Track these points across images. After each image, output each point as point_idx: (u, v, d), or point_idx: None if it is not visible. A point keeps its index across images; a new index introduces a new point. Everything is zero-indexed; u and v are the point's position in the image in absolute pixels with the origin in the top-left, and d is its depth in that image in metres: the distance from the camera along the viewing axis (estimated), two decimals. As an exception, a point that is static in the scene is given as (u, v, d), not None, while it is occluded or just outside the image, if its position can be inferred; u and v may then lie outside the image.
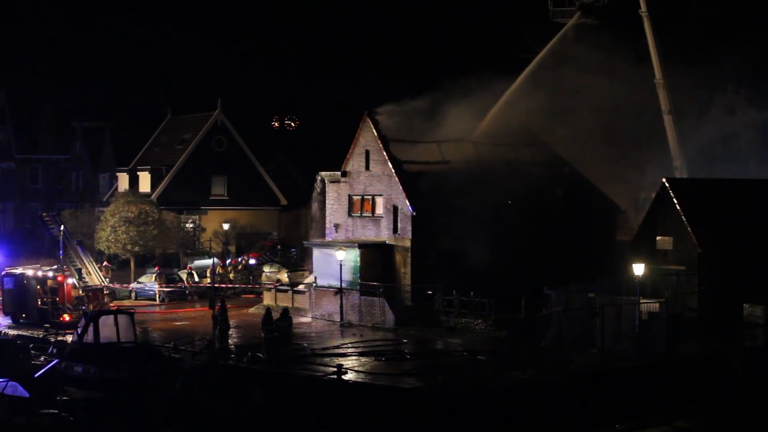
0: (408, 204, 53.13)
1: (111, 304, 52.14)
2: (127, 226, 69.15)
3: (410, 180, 54.11)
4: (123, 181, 79.92)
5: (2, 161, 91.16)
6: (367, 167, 55.64)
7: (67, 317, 51.25)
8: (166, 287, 62.31)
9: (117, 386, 38.48)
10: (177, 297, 62.24)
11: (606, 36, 63.41)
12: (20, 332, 50.42)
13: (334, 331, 50.95)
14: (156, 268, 64.53)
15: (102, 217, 71.70)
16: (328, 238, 57.34)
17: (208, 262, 65.40)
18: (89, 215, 76.75)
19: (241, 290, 63.24)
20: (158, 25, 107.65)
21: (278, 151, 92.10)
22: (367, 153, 55.63)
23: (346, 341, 47.01)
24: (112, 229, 69.34)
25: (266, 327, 42.02)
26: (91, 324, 41.24)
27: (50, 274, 53.62)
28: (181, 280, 64.92)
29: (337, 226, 57.08)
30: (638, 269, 42.10)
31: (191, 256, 71.58)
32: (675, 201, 50.55)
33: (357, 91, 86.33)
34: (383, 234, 54.63)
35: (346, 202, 56.82)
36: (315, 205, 59.59)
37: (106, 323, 41.35)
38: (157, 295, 61.86)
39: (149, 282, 63.47)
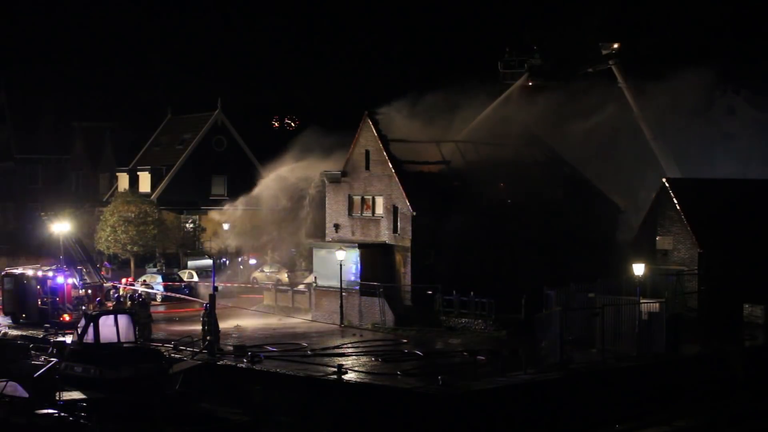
0: (408, 204, 53.11)
1: (109, 304, 52.00)
2: (127, 226, 69.16)
3: (410, 180, 54.09)
4: (123, 181, 79.89)
5: (2, 161, 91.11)
6: (367, 167, 55.62)
7: (67, 317, 51.19)
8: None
9: (117, 386, 38.42)
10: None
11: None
12: (20, 332, 50.38)
13: (334, 331, 50.94)
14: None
15: (102, 217, 71.70)
16: (328, 238, 57.32)
17: (208, 262, 65.37)
18: (89, 215, 76.70)
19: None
20: (158, 26, 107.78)
21: (278, 151, 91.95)
22: (367, 153, 55.62)
23: (346, 341, 47.01)
24: (112, 229, 69.36)
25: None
26: (91, 324, 41.18)
27: (50, 274, 53.57)
28: (181, 280, 64.93)
29: (337, 226, 57.06)
30: (638, 269, 42.10)
31: (191, 256, 71.62)
32: (675, 201, 50.61)
33: (357, 91, 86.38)
34: (383, 234, 54.63)
35: (346, 202, 56.80)
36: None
37: (106, 323, 41.29)
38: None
39: (150, 281, 63.48)
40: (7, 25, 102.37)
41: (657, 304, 42.01)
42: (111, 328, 41.08)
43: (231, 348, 44.06)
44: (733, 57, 71.05)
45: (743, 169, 63.67)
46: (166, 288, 63.28)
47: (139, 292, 51.95)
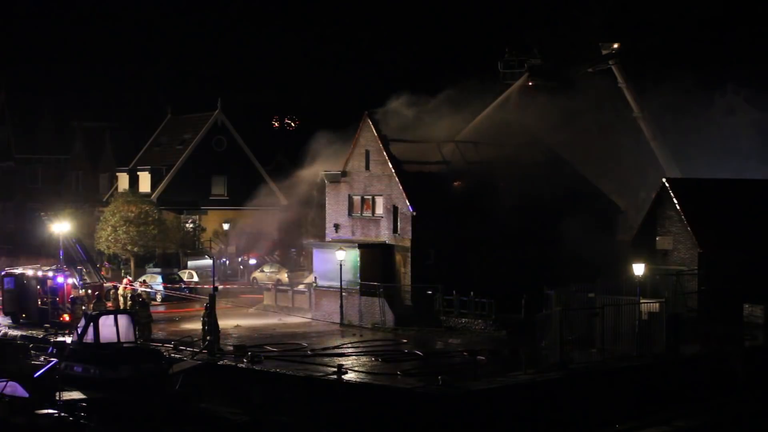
0: (408, 204, 53.13)
1: (109, 304, 51.99)
2: (127, 226, 69.14)
3: (410, 180, 54.10)
4: (123, 181, 79.92)
5: (2, 161, 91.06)
6: (367, 167, 55.64)
7: (67, 317, 51.17)
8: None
9: (117, 386, 38.42)
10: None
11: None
12: (20, 332, 50.39)
13: (334, 331, 50.94)
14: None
15: (102, 217, 71.68)
16: (328, 238, 57.33)
17: (207, 262, 65.36)
18: (89, 215, 76.69)
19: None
20: (158, 26, 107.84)
21: (278, 151, 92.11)
22: (367, 153, 55.63)
23: (346, 341, 47.01)
24: (112, 229, 69.34)
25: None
26: (91, 324, 41.18)
27: (50, 274, 53.55)
28: (181, 280, 64.90)
29: (337, 226, 57.08)
30: (638, 269, 42.09)
31: (191, 256, 71.62)
32: (675, 201, 50.60)
33: (357, 91, 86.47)
34: (383, 234, 54.63)
35: (346, 202, 56.81)
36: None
37: (106, 323, 41.28)
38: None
39: (151, 281, 63.52)
40: (6, 25, 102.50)
41: (657, 304, 42.02)
42: (111, 328, 41.05)
43: (231, 348, 44.05)
44: (734, 57, 71.04)
45: (743, 169, 63.67)
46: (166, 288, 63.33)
47: (139, 292, 51.94)
